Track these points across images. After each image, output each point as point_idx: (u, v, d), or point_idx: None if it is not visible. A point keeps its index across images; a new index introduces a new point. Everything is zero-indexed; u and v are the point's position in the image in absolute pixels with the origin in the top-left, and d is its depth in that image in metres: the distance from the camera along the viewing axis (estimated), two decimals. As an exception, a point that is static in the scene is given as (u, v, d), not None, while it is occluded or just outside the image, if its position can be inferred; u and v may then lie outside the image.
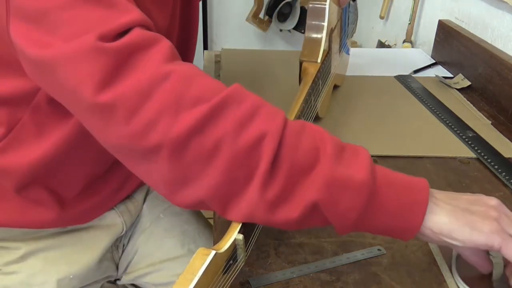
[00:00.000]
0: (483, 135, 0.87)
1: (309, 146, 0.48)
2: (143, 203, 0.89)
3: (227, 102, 0.47)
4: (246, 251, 0.51)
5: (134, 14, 0.50)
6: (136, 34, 0.48)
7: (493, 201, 0.51)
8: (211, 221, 0.71)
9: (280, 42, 2.26)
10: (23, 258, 0.74)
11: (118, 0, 0.49)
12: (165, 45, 0.50)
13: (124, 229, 0.84)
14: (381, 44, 1.66)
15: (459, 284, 0.54)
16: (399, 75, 1.13)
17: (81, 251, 0.79)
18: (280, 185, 0.47)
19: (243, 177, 0.47)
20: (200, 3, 0.95)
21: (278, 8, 2.00)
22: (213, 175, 0.47)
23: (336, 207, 0.48)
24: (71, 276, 0.77)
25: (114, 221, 0.82)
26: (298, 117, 0.65)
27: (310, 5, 0.83)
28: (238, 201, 0.48)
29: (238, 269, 0.51)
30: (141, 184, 0.86)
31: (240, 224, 0.50)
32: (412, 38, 1.46)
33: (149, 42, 0.49)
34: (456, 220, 0.49)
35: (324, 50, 0.82)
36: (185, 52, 0.81)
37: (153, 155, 0.47)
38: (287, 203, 0.48)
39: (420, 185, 0.50)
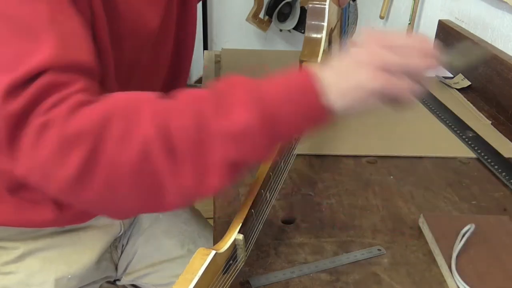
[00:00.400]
0: (483, 135, 0.87)
1: (195, 117, 0.46)
2: None
3: (101, 134, 0.45)
4: (246, 251, 0.51)
5: (45, 52, 0.46)
6: (41, 86, 0.45)
7: (372, 86, 0.50)
8: (211, 221, 0.71)
9: (280, 42, 2.26)
10: (21, 257, 0.74)
11: (34, 27, 0.47)
12: (73, 92, 0.47)
13: (122, 229, 0.84)
14: (381, 44, 1.66)
15: (459, 284, 0.54)
16: (399, 75, 1.13)
17: (79, 251, 0.79)
18: (190, 166, 0.46)
19: (153, 182, 0.46)
20: (200, 3, 0.95)
21: (278, 8, 2.00)
22: (129, 201, 0.47)
23: (248, 151, 0.47)
24: (70, 276, 0.77)
25: (112, 221, 0.82)
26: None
27: (310, 5, 0.82)
28: (166, 199, 0.48)
29: (238, 269, 0.51)
30: None
31: (240, 224, 0.50)
32: (412, 38, 1.46)
33: (53, 99, 0.46)
34: (351, 100, 0.50)
35: (324, 50, 0.82)
36: (182, 53, 0.80)
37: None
38: (206, 175, 0.47)
39: (307, 84, 0.49)
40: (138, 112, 0.46)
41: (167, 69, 0.77)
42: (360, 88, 0.50)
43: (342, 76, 0.50)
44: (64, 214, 0.72)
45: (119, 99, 0.48)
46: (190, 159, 0.46)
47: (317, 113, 0.49)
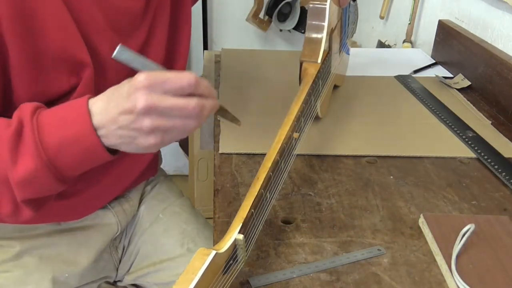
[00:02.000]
0: (483, 135, 0.87)
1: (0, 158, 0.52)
2: (140, 204, 0.89)
3: None
4: (246, 251, 0.51)
5: None
6: None
7: (140, 106, 0.48)
8: (211, 221, 0.71)
9: (280, 42, 2.26)
10: (18, 256, 0.74)
11: None
12: None
13: (119, 230, 0.84)
14: (381, 44, 1.66)
15: (459, 284, 0.54)
16: (399, 75, 1.13)
17: (76, 250, 0.79)
18: (6, 199, 0.55)
19: None
20: (200, 3, 0.95)
21: (278, 8, 2.00)
22: None
23: (41, 192, 0.55)
24: (66, 275, 0.77)
25: (108, 221, 0.82)
26: (298, 117, 0.65)
27: (311, 5, 0.82)
28: None
29: (238, 269, 0.51)
30: (135, 183, 0.86)
31: (240, 224, 0.50)
32: (412, 38, 1.46)
33: None
34: (129, 147, 0.53)
35: (324, 50, 0.82)
36: (174, 57, 0.80)
37: None
38: (18, 208, 0.56)
39: (85, 131, 0.52)
40: None
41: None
42: (128, 129, 0.51)
43: (114, 122, 0.51)
44: (55, 210, 0.72)
45: None
46: (3, 193, 0.55)
47: (96, 154, 0.53)
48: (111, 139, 0.52)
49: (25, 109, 0.53)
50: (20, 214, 0.56)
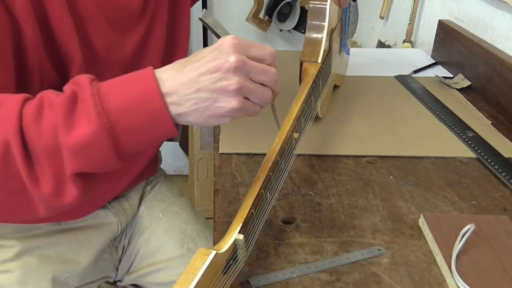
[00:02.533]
0: (483, 135, 0.87)
1: (49, 126, 0.48)
2: (140, 204, 0.89)
3: None
4: (246, 251, 0.51)
5: None
6: None
7: (230, 61, 0.48)
8: (211, 221, 0.71)
9: (280, 42, 2.26)
10: (18, 256, 0.74)
11: None
12: None
13: (119, 229, 0.84)
14: (381, 44, 1.66)
15: (459, 284, 0.54)
16: (399, 75, 1.13)
17: (76, 250, 0.79)
18: (48, 175, 0.49)
19: (17, 187, 0.49)
20: (200, 3, 0.95)
21: (278, 8, 2.00)
22: None
23: (94, 164, 0.49)
24: (67, 275, 0.77)
25: (109, 220, 0.82)
26: (299, 117, 0.65)
27: (311, 5, 0.82)
28: (33, 208, 0.51)
29: (238, 269, 0.51)
30: (135, 183, 0.86)
31: (241, 224, 0.50)
32: (412, 38, 1.46)
33: None
34: (201, 116, 0.50)
35: (324, 50, 0.82)
36: (173, 56, 0.80)
37: None
38: (63, 185, 0.50)
39: (151, 95, 0.49)
40: (0, 115, 0.49)
41: (157, 67, 0.76)
42: (219, 119, 0.51)
43: (192, 84, 0.49)
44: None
45: None
46: (46, 167, 0.49)
47: (160, 121, 0.50)
48: (184, 105, 0.49)
49: (81, 78, 0.50)
50: (65, 193, 0.50)
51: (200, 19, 0.52)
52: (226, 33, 0.52)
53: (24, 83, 0.58)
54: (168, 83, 0.49)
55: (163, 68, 0.51)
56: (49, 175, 0.49)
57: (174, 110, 0.49)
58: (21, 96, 0.50)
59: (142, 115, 0.48)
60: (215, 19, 0.53)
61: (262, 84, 0.51)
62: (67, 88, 0.50)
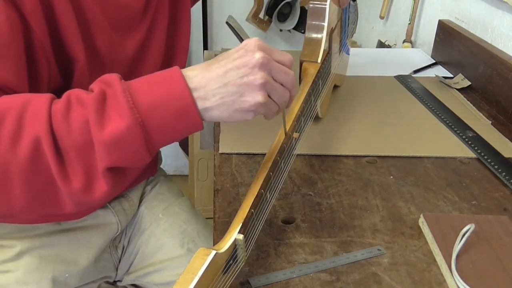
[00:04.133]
0: (483, 135, 0.87)
1: (79, 122, 0.49)
2: (140, 204, 0.89)
3: None
4: (246, 251, 0.51)
5: None
6: None
7: (257, 57, 0.51)
8: (211, 221, 0.71)
9: (280, 42, 2.26)
10: (18, 256, 0.75)
11: None
12: None
13: (119, 229, 0.84)
14: (381, 44, 1.66)
15: (459, 284, 0.54)
16: (399, 75, 1.13)
17: (76, 250, 0.79)
18: (79, 171, 0.50)
19: (46, 183, 0.50)
20: (200, 3, 0.95)
21: (278, 8, 2.00)
22: (19, 197, 0.50)
23: (126, 158, 0.50)
24: (67, 275, 0.77)
25: (109, 220, 0.82)
26: (299, 117, 0.65)
27: (311, 5, 0.83)
28: (61, 203, 0.52)
29: (238, 269, 0.51)
30: (135, 183, 0.86)
31: (240, 224, 0.50)
32: (412, 38, 1.46)
33: None
34: (227, 110, 0.52)
35: (324, 50, 0.82)
36: (174, 56, 0.80)
37: None
38: (94, 180, 0.51)
39: (179, 90, 0.50)
40: (30, 112, 0.49)
41: (158, 67, 0.77)
42: (244, 114, 0.52)
43: (219, 79, 0.51)
44: None
45: (13, 99, 0.50)
46: (76, 162, 0.50)
47: (188, 117, 0.51)
48: (211, 99, 0.51)
49: (109, 76, 0.51)
50: (94, 189, 0.51)
51: (227, 22, 0.55)
52: (248, 37, 0.55)
53: (34, 83, 0.59)
54: (196, 79, 0.51)
55: (189, 67, 0.53)
56: (80, 171, 0.50)
57: (201, 104, 0.51)
58: (48, 95, 0.51)
59: (171, 111, 0.50)
60: (239, 24, 0.56)
61: (281, 85, 0.54)
62: (95, 86, 0.51)
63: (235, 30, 0.53)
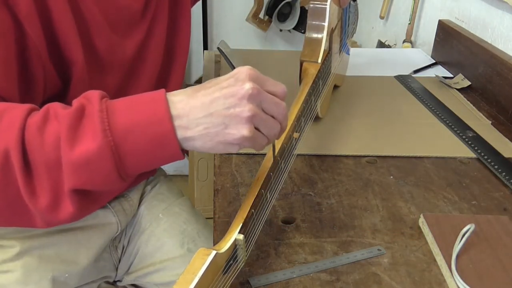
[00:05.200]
0: (483, 135, 0.87)
1: (53, 138, 0.47)
2: (140, 204, 0.89)
3: None
4: (246, 251, 0.51)
5: None
6: None
7: (246, 88, 0.48)
8: (211, 221, 0.71)
9: (280, 42, 2.26)
10: (18, 256, 0.74)
11: None
12: None
13: (119, 229, 0.84)
14: (381, 44, 1.66)
15: (459, 284, 0.54)
16: (399, 75, 1.13)
17: (76, 250, 0.79)
18: (46, 188, 0.48)
19: (15, 195, 0.48)
20: (200, 3, 0.95)
21: (278, 8, 2.00)
22: None
23: (94, 182, 0.48)
24: (67, 275, 0.77)
25: (109, 220, 0.82)
26: (299, 117, 0.65)
27: (311, 5, 0.83)
28: (29, 218, 0.51)
29: (238, 269, 0.51)
30: (135, 183, 0.86)
31: (241, 224, 0.50)
32: (412, 38, 1.46)
33: None
34: (210, 141, 0.49)
35: (324, 50, 0.82)
36: (174, 57, 0.80)
37: None
38: (60, 200, 0.49)
39: (159, 116, 0.48)
40: (3, 122, 0.48)
41: (158, 68, 0.77)
42: (228, 146, 0.50)
43: (204, 108, 0.48)
44: None
45: None
46: (45, 179, 0.48)
47: (167, 145, 0.48)
48: (193, 129, 0.48)
49: (91, 93, 0.49)
50: (60, 209, 0.49)
51: (218, 48, 0.53)
52: (241, 64, 0.53)
53: (27, 87, 0.58)
54: (180, 105, 0.48)
55: (175, 91, 0.50)
56: (47, 188, 0.48)
57: (181, 133, 0.48)
58: (27, 106, 0.50)
59: (148, 137, 0.48)
60: (232, 49, 0.54)
61: (272, 117, 0.51)
62: (76, 102, 0.49)
63: (226, 57, 0.51)
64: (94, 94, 0.49)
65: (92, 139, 0.47)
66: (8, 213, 0.51)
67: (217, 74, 1.11)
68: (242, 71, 0.49)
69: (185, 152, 0.50)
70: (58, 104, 0.50)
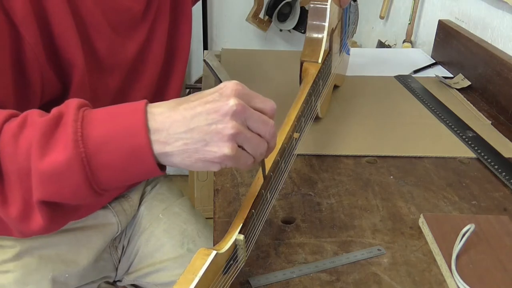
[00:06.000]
0: (483, 135, 0.87)
1: (26, 146, 0.46)
2: (140, 204, 0.89)
3: None
4: (246, 251, 0.51)
5: None
6: None
7: (230, 104, 0.45)
8: (211, 221, 0.71)
9: (280, 42, 2.26)
10: (18, 256, 0.74)
11: None
12: None
13: (119, 229, 0.84)
14: (381, 44, 1.66)
15: (459, 284, 0.54)
16: (399, 75, 1.13)
17: (77, 250, 0.79)
18: (17, 197, 0.47)
19: None
20: (200, 3, 0.94)
21: (278, 8, 2.00)
22: None
23: (64, 194, 0.47)
24: (67, 275, 0.77)
25: (109, 220, 0.82)
26: (299, 117, 0.65)
27: (312, 5, 0.83)
28: (6, 226, 0.50)
29: (239, 269, 0.51)
30: (135, 183, 0.86)
31: (241, 224, 0.50)
32: (412, 38, 1.46)
33: None
34: (189, 158, 0.46)
35: (325, 50, 0.82)
36: (174, 58, 0.80)
37: None
38: (30, 211, 0.48)
39: (135, 128, 0.46)
40: None
41: (159, 69, 0.77)
42: (207, 164, 0.47)
43: (185, 122, 0.46)
44: None
45: None
46: (16, 188, 0.47)
47: (141, 159, 0.46)
48: (172, 144, 0.46)
49: (71, 102, 0.47)
50: (30, 220, 0.48)
51: (204, 60, 0.51)
52: (228, 79, 0.50)
53: (24, 92, 0.57)
54: (160, 118, 0.46)
55: (157, 103, 0.48)
56: (18, 198, 0.47)
57: (159, 148, 0.46)
58: (6, 112, 0.48)
59: (123, 150, 0.45)
60: (219, 62, 0.51)
61: (258, 135, 0.49)
62: (55, 109, 0.47)
63: (212, 69, 0.48)
64: (72, 103, 0.47)
65: (63, 149, 0.45)
66: None
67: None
68: (228, 86, 0.47)
69: (165, 168, 0.49)
70: (37, 111, 0.48)
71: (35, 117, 0.47)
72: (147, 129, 0.45)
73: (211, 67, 0.51)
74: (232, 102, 0.45)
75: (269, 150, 0.50)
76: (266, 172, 0.56)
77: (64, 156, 0.45)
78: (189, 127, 0.45)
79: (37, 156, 0.45)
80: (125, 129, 0.45)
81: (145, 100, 0.47)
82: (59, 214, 0.49)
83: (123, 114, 0.46)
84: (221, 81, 0.50)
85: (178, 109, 0.46)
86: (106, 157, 0.45)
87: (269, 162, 0.57)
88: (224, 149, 0.45)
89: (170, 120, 0.46)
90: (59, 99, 0.61)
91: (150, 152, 0.45)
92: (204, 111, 0.46)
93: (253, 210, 0.52)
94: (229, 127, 0.45)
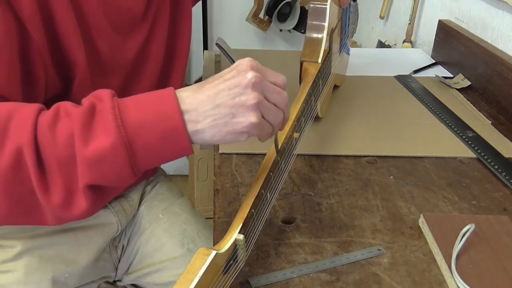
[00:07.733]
0: (483, 135, 0.87)
1: (65, 135, 0.48)
2: (140, 204, 0.90)
3: None
4: (246, 251, 0.51)
5: None
6: None
7: (249, 77, 0.50)
8: (211, 221, 0.71)
9: (280, 42, 2.26)
10: (18, 256, 0.75)
11: None
12: None
13: (119, 229, 0.84)
14: (381, 44, 1.66)
15: (459, 284, 0.54)
16: (399, 75, 1.13)
17: (77, 250, 0.79)
18: (59, 185, 0.49)
19: (26, 193, 0.49)
20: (200, 3, 0.95)
21: (278, 8, 2.00)
22: (1, 206, 0.49)
23: (108, 177, 0.49)
24: (67, 275, 0.77)
25: (109, 220, 0.82)
26: (299, 117, 0.65)
27: (311, 5, 0.83)
28: (40, 216, 0.51)
29: (238, 269, 0.51)
30: (134, 182, 0.86)
31: (241, 224, 0.50)
32: (412, 38, 1.46)
33: None
34: (219, 132, 0.50)
35: (324, 50, 0.82)
36: (175, 57, 0.80)
37: None
38: (74, 196, 0.50)
39: (170, 112, 0.49)
40: (15, 121, 0.48)
41: (159, 68, 0.77)
42: (237, 135, 0.51)
43: (211, 100, 0.50)
44: None
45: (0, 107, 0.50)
46: (58, 176, 0.49)
47: (178, 139, 0.50)
48: (202, 121, 0.49)
49: (102, 92, 0.50)
50: (74, 205, 0.50)
51: (217, 44, 0.54)
52: (241, 58, 0.54)
53: (29, 88, 0.58)
54: (187, 100, 0.50)
55: (182, 89, 0.52)
56: (60, 185, 0.49)
57: (191, 127, 0.50)
58: (36, 105, 0.50)
59: (160, 132, 0.49)
60: (229, 46, 0.55)
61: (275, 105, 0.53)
62: (86, 100, 0.50)
63: (225, 52, 0.52)
64: (105, 93, 0.50)
65: (106, 135, 0.47)
66: (19, 211, 0.51)
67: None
68: (243, 62, 0.51)
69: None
70: (69, 103, 0.51)
71: (70, 108, 0.49)
72: (180, 111, 0.49)
73: (224, 50, 0.55)
74: (251, 75, 0.50)
75: (284, 120, 0.55)
76: (279, 147, 0.59)
77: (108, 141, 0.47)
78: (215, 103, 0.49)
79: (81, 144, 0.47)
80: (160, 113, 0.49)
81: (172, 87, 0.51)
82: (100, 197, 0.51)
83: (154, 100, 0.50)
84: (234, 62, 0.53)
85: (202, 90, 0.50)
86: (145, 140, 0.49)
87: (269, 163, 0.57)
88: (251, 117, 0.49)
89: (197, 101, 0.50)
90: (60, 97, 0.62)
91: (185, 131, 0.49)
92: (226, 87, 0.50)
93: (253, 210, 0.52)
94: (251, 97, 0.49)
